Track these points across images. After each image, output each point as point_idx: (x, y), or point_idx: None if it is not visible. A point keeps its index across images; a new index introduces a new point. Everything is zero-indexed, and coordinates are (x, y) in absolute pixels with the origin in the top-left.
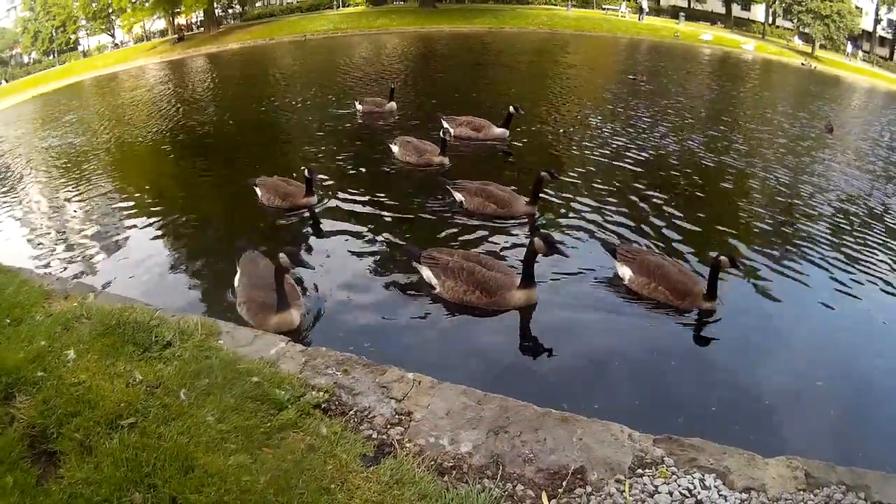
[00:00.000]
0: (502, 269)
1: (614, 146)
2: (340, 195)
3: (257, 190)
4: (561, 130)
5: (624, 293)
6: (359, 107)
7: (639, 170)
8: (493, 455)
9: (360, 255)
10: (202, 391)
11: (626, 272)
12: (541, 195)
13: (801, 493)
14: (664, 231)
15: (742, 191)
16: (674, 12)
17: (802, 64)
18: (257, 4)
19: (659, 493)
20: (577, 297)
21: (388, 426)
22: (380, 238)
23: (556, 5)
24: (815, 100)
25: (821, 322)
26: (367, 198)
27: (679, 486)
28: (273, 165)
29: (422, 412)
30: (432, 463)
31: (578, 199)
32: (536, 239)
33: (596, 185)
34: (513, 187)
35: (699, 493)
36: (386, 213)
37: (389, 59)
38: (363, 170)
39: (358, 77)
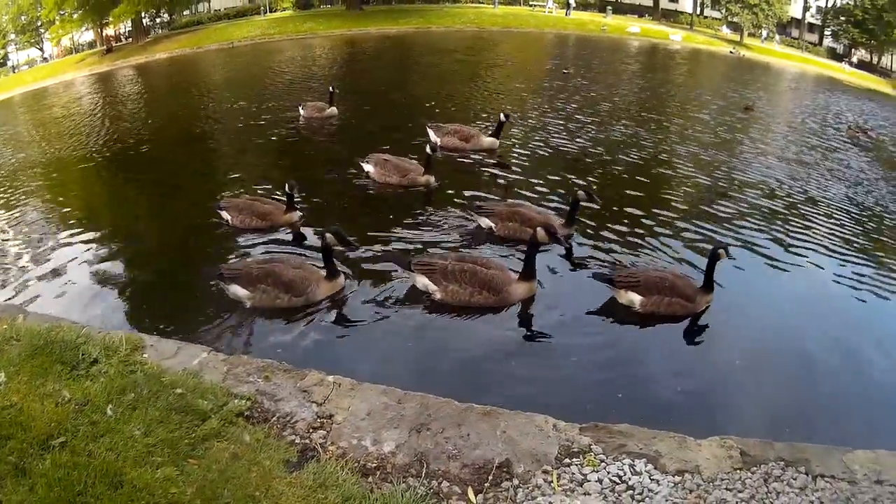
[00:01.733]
0: (497, 266)
1: (551, 141)
2: (321, 213)
3: (224, 214)
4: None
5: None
6: (301, 112)
7: (570, 161)
8: (416, 453)
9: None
10: (128, 406)
11: (634, 298)
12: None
13: (738, 472)
14: (602, 224)
15: (671, 178)
16: (601, 6)
17: (731, 52)
18: (185, 13)
19: (588, 481)
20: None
21: (311, 430)
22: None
23: (482, 3)
24: (742, 86)
25: (757, 304)
26: (357, 218)
27: (609, 472)
28: (219, 179)
29: (343, 414)
30: (356, 465)
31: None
32: (539, 229)
33: (541, 180)
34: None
35: (630, 478)
36: (387, 236)
37: (319, 63)
38: (337, 185)
39: (290, 82)
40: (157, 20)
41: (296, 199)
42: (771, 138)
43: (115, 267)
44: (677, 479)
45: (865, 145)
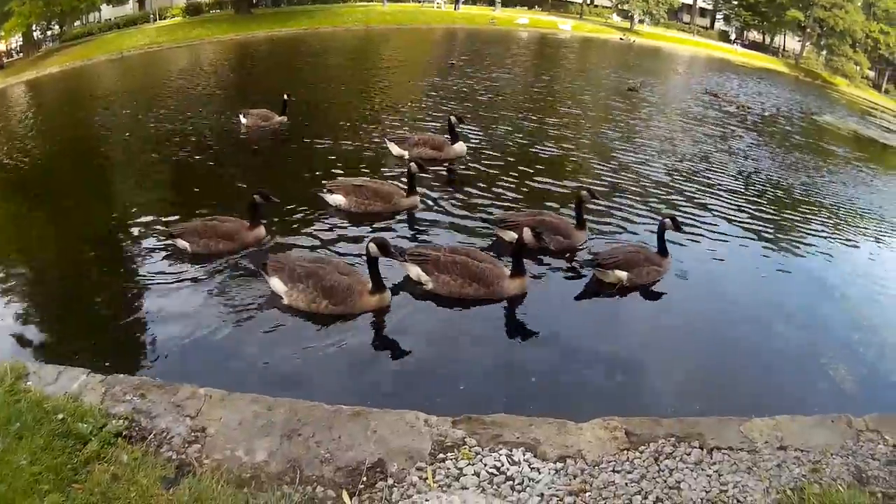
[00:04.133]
0: (490, 260)
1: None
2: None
3: (182, 242)
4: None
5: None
6: (243, 121)
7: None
8: (289, 460)
9: None
10: (15, 436)
11: (622, 274)
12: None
13: (625, 452)
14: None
15: (569, 162)
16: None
17: (621, 39)
18: (76, 24)
19: (465, 475)
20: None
21: (186, 445)
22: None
23: (371, 1)
24: (632, 71)
25: (667, 285)
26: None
27: (485, 465)
28: (124, 199)
29: (216, 426)
30: (231, 476)
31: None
32: (526, 230)
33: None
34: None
35: (508, 469)
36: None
37: (212, 70)
38: (306, 209)
39: (188, 91)
40: (49, 33)
41: (260, 212)
42: (658, 117)
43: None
44: (559, 465)
45: (740, 115)
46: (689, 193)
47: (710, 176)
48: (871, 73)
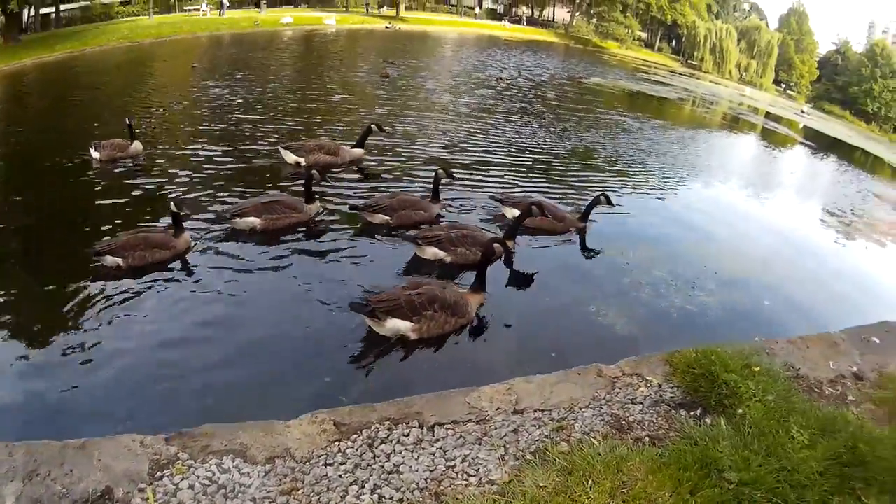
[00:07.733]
0: (473, 228)
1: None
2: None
3: (110, 259)
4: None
5: None
6: (95, 154)
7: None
8: (33, 501)
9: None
10: None
11: (511, 212)
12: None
13: (336, 444)
14: None
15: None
16: (256, 2)
17: (387, 27)
18: None
19: (180, 489)
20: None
21: None
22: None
23: (138, 15)
24: (394, 56)
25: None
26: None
27: (198, 477)
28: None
29: None
30: None
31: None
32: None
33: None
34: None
35: (219, 477)
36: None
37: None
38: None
39: None
40: None
41: (181, 219)
42: (413, 101)
43: None
44: (268, 467)
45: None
46: (461, 169)
47: (475, 150)
48: (644, 35)
